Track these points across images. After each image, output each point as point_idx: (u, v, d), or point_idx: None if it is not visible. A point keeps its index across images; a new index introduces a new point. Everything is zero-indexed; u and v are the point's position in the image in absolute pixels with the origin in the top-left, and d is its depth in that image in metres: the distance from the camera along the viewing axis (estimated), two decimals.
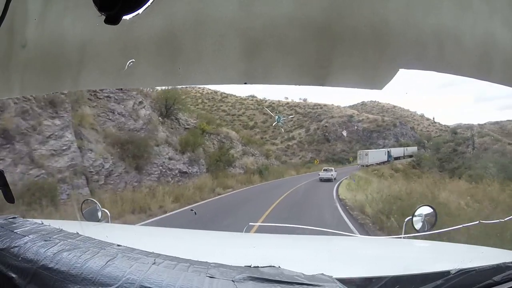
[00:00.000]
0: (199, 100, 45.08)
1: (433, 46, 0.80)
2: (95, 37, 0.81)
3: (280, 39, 0.80)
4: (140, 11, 0.50)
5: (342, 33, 0.78)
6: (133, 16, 0.50)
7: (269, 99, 48.02)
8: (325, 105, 45.07)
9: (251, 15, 0.77)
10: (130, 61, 0.80)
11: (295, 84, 0.89)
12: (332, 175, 20.12)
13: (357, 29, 0.77)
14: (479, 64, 0.84)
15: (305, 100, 47.29)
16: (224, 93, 48.12)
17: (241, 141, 23.21)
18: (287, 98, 47.64)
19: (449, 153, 33.99)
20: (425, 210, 1.58)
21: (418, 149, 37.61)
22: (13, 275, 0.48)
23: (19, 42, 0.83)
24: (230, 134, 22.68)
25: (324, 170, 21.54)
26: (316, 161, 32.86)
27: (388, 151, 35.06)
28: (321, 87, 0.88)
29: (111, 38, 0.81)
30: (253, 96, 47.76)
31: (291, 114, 42.32)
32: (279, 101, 47.43)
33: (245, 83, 0.86)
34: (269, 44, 0.81)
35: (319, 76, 0.86)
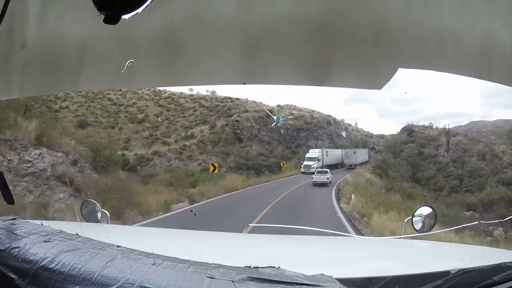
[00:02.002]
0: None
1: (433, 46, 0.80)
2: (95, 37, 0.81)
3: (279, 39, 0.80)
4: (139, 10, 0.49)
5: (342, 33, 0.78)
6: (132, 16, 0.50)
7: (169, 90, 37.43)
8: (237, 98, 34.77)
9: (251, 15, 0.77)
10: (129, 61, 0.80)
11: (295, 84, 0.89)
12: (328, 178, 18.00)
13: (357, 28, 0.77)
14: (479, 64, 0.84)
15: (213, 93, 37.85)
16: None
17: None
18: (191, 89, 37.77)
19: (414, 157, 26.10)
20: (425, 210, 1.58)
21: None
22: (13, 276, 0.48)
23: (19, 42, 0.83)
24: None
25: (319, 172, 18.93)
26: (212, 168, 16.17)
27: (368, 151, 31.37)
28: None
29: (111, 38, 0.81)
30: None
31: (195, 108, 32.46)
32: (181, 93, 37.63)
33: (245, 83, 0.86)
34: (268, 44, 0.81)
35: (319, 76, 0.86)
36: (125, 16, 0.50)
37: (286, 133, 31.14)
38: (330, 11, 0.75)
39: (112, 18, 0.49)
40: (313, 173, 20.24)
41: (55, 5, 0.79)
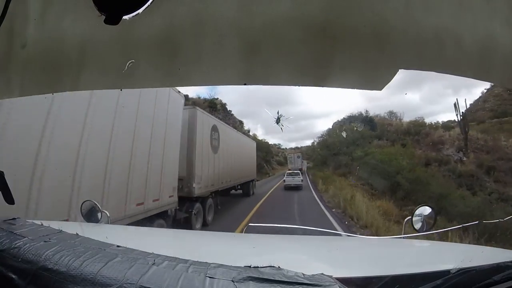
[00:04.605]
0: None
1: (433, 46, 0.80)
2: (96, 37, 0.81)
3: (280, 39, 0.80)
4: (140, 11, 0.50)
5: (342, 33, 0.78)
6: (133, 16, 0.50)
7: None
8: None
9: (251, 15, 0.77)
10: (130, 61, 0.80)
11: (295, 85, 0.89)
12: (302, 180, 15.15)
13: (357, 29, 0.77)
14: (479, 64, 0.84)
15: None
16: None
17: None
18: None
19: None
20: (425, 210, 1.58)
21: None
22: (13, 276, 0.48)
23: (19, 42, 0.83)
24: None
25: (289, 174, 15.27)
26: None
27: (301, 155, 25.53)
28: None
29: (111, 38, 0.81)
30: None
31: None
32: None
33: (245, 84, 0.86)
34: (269, 44, 0.81)
35: (319, 76, 0.86)
36: (126, 17, 0.50)
37: None
38: (331, 12, 0.75)
39: (112, 18, 0.49)
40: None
41: (56, 5, 0.79)
